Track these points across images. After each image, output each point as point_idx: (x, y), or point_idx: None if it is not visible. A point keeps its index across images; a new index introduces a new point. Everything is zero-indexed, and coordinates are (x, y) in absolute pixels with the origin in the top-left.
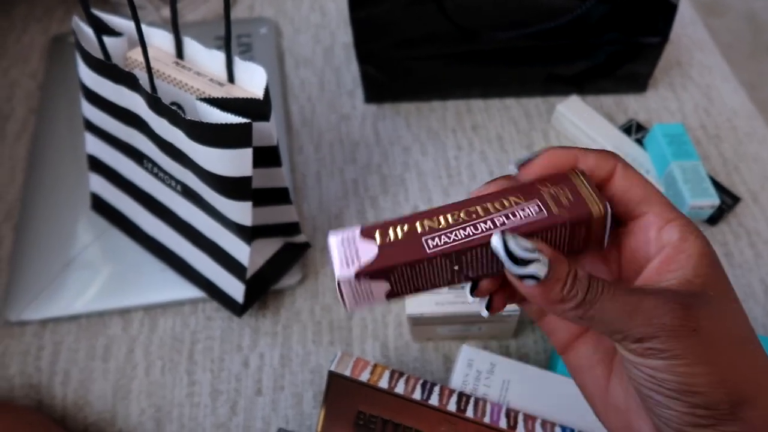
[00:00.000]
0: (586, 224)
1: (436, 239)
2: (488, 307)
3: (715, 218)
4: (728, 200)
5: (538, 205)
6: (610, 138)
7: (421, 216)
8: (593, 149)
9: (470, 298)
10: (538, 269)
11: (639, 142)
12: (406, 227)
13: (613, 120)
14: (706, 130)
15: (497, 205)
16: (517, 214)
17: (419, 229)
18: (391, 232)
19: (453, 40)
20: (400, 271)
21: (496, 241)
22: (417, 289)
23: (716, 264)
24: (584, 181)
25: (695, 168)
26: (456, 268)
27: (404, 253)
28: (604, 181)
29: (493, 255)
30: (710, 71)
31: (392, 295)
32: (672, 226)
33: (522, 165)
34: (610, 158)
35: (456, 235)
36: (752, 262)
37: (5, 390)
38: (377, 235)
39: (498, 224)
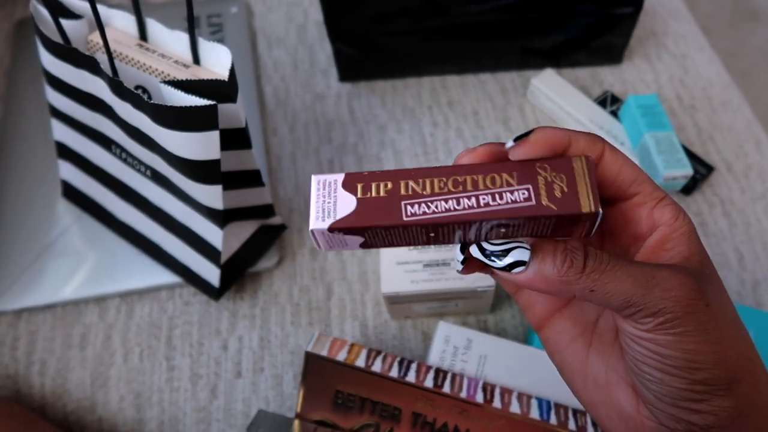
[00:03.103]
0: (573, 220)
1: (416, 207)
2: (463, 262)
3: (689, 188)
4: (702, 170)
5: (529, 192)
6: (585, 111)
7: (408, 175)
8: (582, 132)
9: (459, 256)
10: (521, 254)
11: (614, 114)
12: (389, 185)
13: (588, 92)
14: (682, 101)
15: (488, 181)
16: (504, 196)
17: (402, 191)
18: (373, 187)
19: (425, 14)
20: (373, 230)
21: (475, 253)
22: (392, 244)
23: (701, 243)
24: (586, 172)
25: (669, 138)
26: (432, 235)
27: (380, 215)
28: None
29: (470, 227)
30: (686, 41)
31: (366, 246)
32: (663, 205)
33: (517, 141)
34: (598, 141)
35: (437, 206)
36: (726, 231)
37: None
38: (359, 188)
39: (482, 204)
